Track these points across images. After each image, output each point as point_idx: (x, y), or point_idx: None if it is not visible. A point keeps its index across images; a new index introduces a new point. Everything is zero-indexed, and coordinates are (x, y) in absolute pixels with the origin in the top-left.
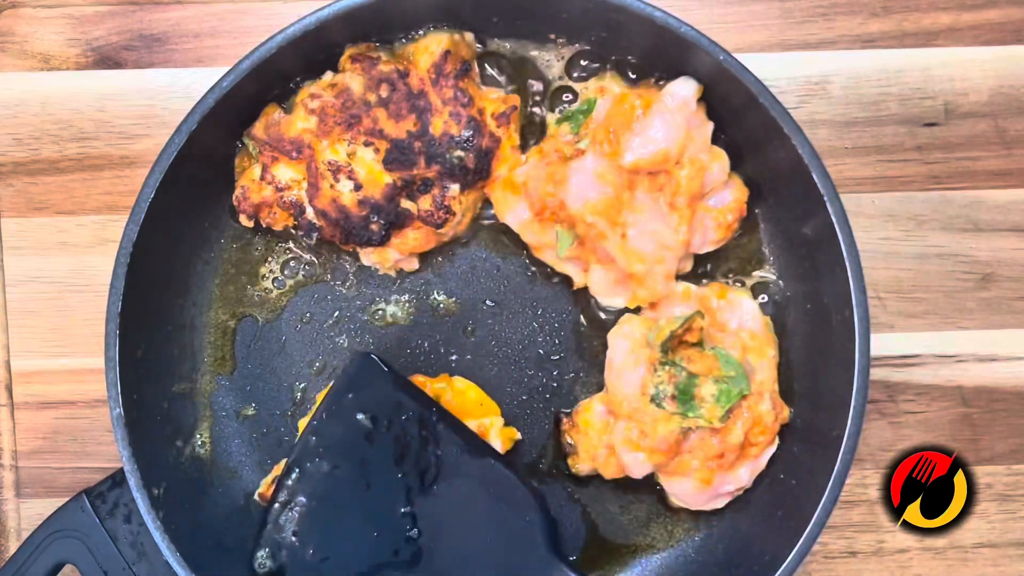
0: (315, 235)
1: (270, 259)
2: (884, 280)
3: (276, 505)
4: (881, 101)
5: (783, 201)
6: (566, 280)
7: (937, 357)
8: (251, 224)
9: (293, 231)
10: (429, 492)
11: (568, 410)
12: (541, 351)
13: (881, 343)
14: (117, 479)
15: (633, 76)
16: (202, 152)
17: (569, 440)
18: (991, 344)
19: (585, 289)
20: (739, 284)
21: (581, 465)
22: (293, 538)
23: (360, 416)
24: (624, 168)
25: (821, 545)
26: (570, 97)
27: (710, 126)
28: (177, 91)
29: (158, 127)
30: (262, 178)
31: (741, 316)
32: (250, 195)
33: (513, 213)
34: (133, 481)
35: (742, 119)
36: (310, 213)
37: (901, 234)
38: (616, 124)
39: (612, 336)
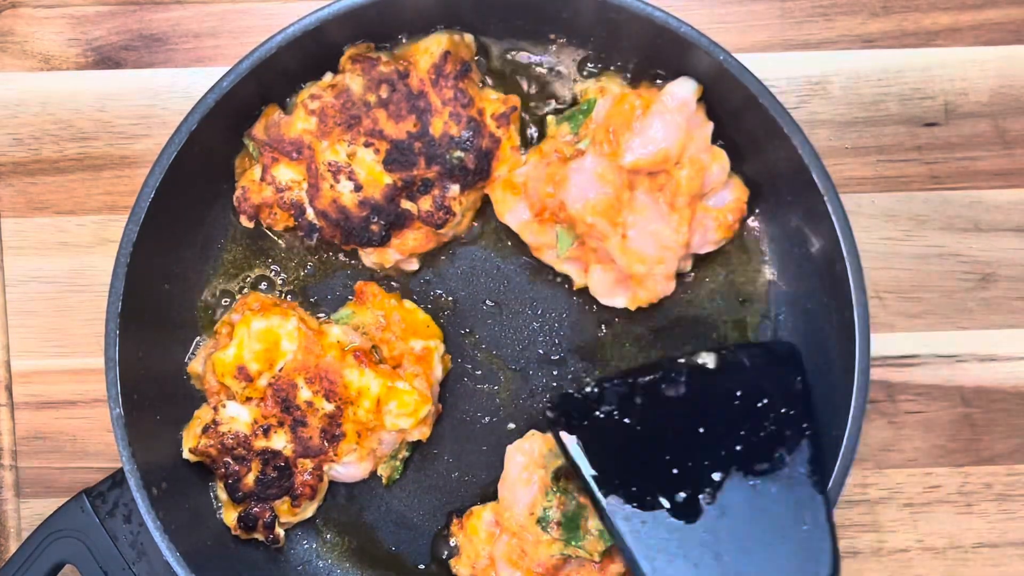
0: (315, 236)
1: (271, 259)
2: (884, 280)
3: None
4: (881, 101)
5: (783, 201)
6: (566, 280)
7: (937, 357)
8: (252, 225)
9: (294, 232)
10: (743, 470)
11: (462, 510)
12: (541, 351)
13: (881, 343)
14: (117, 479)
15: (633, 77)
16: (202, 152)
17: (454, 541)
18: (991, 344)
19: (585, 289)
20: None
21: (462, 568)
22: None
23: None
24: (624, 168)
25: None
26: (570, 97)
27: (710, 126)
28: (177, 91)
29: (158, 127)
30: (262, 179)
31: None
32: (250, 196)
33: (513, 213)
34: (133, 481)
35: (742, 119)
36: (310, 214)
37: (901, 234)
38: (616, 124)
39: (511, 449)
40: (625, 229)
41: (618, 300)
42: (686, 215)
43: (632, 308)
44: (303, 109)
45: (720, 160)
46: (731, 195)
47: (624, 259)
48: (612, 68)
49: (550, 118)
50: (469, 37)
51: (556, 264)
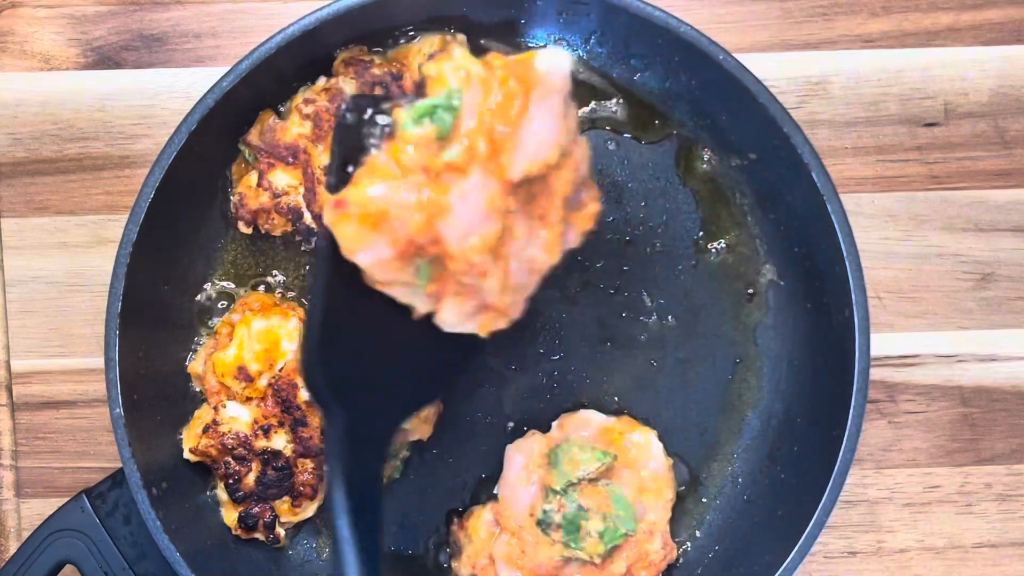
0: (313, 239)
1: (270, 260)
2: (884, 280)
3: None
4: (881, 101)
5: (783, 201)
6: (566, 280)
7: (937, 357)
8: (250, 231)
9: (292, 236)
10: None
11: (462, 510)
12: (541, 350)
13: (881, 343)
14: (117, 479)
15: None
16: (202, 153)
17: (456, 541)
18: (991, 344)
19: (585, 289)
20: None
21: (462, 568)
22: None
23: None
24: (513, 183)
25: (821, 545)
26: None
27: (575, 108)
28: (177, 91)
29: (158, 127)
30: (259, 184)
31: (647, 456)
32: (247, 202)
33: (368, 252)
34: (133, 481)
35: (742, 119)
36: (308, 218)
37: (901, 234)
38: (496, 122)
39: (511, 449)
40: (507, 262)
41: (468, 327)
42: (557, 231)
43: (484, 335)
44: (297, 114)
45: (584, 148)
46: (585, 192)
47: (502, 297)
48: (454, 31)
49: (402, 117)
50: (461, 37)
51: (401, 297)
